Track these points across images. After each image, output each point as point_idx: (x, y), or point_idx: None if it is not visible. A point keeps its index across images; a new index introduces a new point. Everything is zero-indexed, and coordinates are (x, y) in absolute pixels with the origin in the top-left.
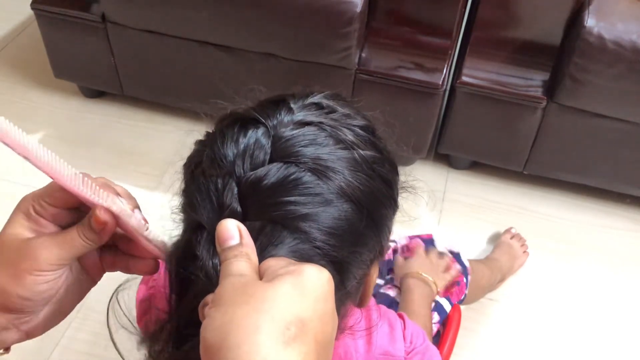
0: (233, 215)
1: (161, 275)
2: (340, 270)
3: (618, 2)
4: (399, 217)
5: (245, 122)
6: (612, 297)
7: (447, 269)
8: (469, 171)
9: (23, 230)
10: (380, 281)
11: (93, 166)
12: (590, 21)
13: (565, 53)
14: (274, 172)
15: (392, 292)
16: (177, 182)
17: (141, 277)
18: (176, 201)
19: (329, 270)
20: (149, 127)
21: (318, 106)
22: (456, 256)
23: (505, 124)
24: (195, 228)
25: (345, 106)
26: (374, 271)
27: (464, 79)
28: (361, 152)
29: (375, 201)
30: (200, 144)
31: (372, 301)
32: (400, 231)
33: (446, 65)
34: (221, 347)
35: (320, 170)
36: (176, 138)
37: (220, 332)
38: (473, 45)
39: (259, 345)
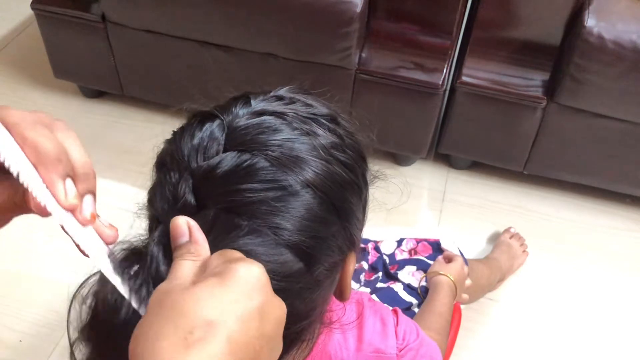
0: (187, 207)
1: None
2: (301, 256)
3: (618, 2)
4: (399, 217)
5: (203, 117)
6: (612, 297)
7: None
8: (469, 171)
9: None
10: (377, 275)
11: (93, 166)
12: (590, 21)
13: (565, 53)
14: (227, 160)
15: (396, 287)
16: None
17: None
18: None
19: (289, 257)
20: (149, 127)
21: (277, 98)
22: None
23: (505, 124)
24: (153, 222)
25: (307, 97)
26: (350, 262)
27: (464, 79)
28: (318, 138)
29: (334, 186)
30: (166, 142)
31: (365, 296)
32: (406, 233)
33: (446, 65)
34: (133, 357)
35: (274, 156)
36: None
37: (134, 342)
38: (473, 45)
39: (158, 353)
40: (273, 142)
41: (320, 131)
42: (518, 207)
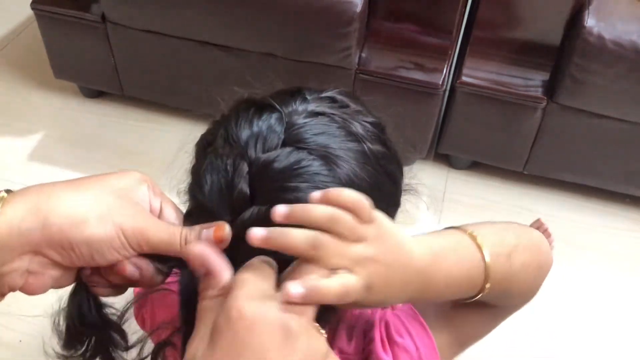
0: (241, 197)
1: None
2: None
3: (618, 2)
4: (399, 218)
5: (260, 107)
6: (612, 297)
7: None
8: (469, 171)
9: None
10: None
11: (93, 166)
12: (590, 21)
13: (565, 53)
14: (285, 155)
15: None
16: (178, 184)
17: None
18: (181, 193)
19: None
20: (149, 127)
21: (332, 100)
22: None
23: (505, 124)
24: (200, 209)
25: (357, 103)
26: None
27: (464, 79)
28: (370, 146)
29: (379, 196)
30: (214, 123)
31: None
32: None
33: (446, 65)
34: None
35: (330, 158)
36: (176, 138)
37: None
38: (473, 45)
39: None
40: (329, 144)
41: (370, 139)
42: (518, 207)
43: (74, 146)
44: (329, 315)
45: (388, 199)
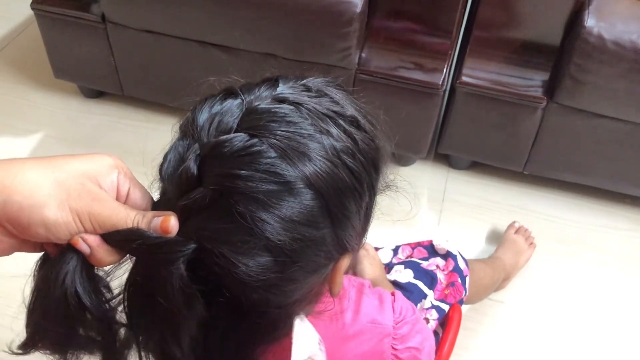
0: (188, 174)
1: None
2: (278, 256)
3: (618, 2)
4: (399, 217)
5: (228, 93)
6: (612, 297)
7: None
8: (469, 171)
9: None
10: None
11: None
12: (590, 21)
13: (565, 53)
14: (236, 141)
15: (400, 277)
16: None
17: None
18: None
19: (265, 258)
20: (149, 127)
21: (306, 88)
22: (453, 257)
23: (505, 124)
24: (162, 188)
25: (337, 93)
26: (343, 262)
27: (464, 79)
28: (330, 139)
29: (334, 190)
30: (192, 108)
31: (367, 282)
32: (400, 240)
33: (446, 65)
34: None
35: (282, 148)
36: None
37: None
38: (473, 45)
39: None
40: (284, 132)
41: (335, 132)
42: (518, 207)
43: (74, 146)
44: None
45: (348, 194)
